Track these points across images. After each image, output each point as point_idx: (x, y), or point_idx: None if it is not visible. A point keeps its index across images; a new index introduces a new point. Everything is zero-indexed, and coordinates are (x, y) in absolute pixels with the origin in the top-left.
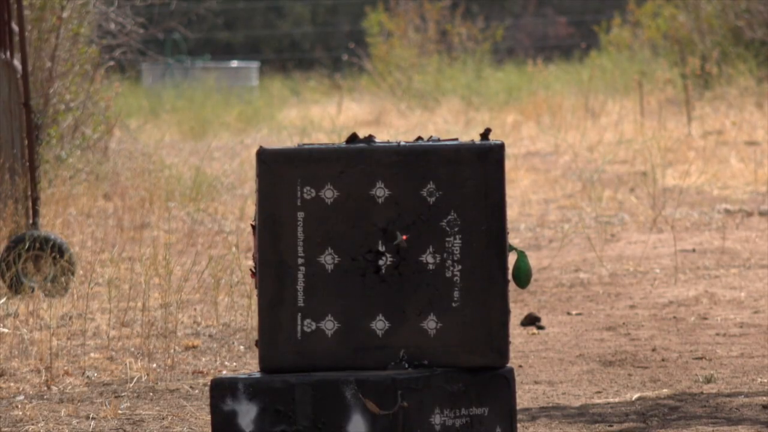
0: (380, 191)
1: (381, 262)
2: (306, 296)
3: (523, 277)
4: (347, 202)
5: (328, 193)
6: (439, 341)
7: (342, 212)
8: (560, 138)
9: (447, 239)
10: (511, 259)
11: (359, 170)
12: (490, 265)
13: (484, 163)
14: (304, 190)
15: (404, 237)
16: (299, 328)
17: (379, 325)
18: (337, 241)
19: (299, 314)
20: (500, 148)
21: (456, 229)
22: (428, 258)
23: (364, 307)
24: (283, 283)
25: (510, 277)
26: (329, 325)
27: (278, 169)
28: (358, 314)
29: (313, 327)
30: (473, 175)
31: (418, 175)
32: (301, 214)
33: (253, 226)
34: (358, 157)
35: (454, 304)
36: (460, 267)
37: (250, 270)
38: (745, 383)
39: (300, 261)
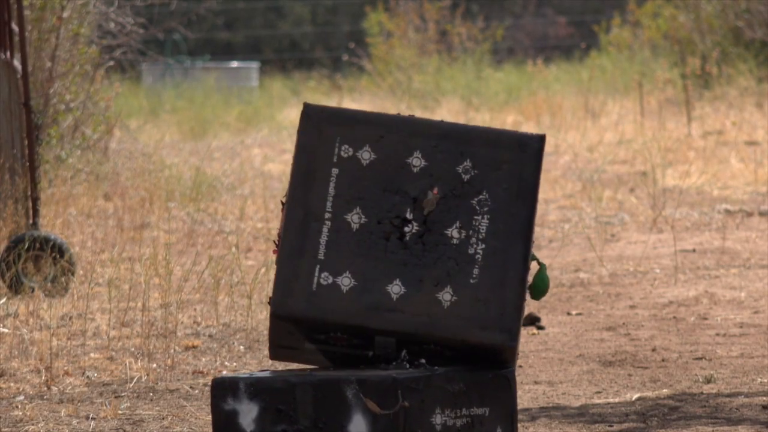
0: (417, 161)
1: (407, 229)
2: (327, 250)
3: (541, 288)
4: (383, 166)
5: (365, 155)
6: (451, 313)
7: (376, 175)
8: (560, 138)
9: (475, 217)
10: (532, 269)
11: (399, 137)
12: (513, 250)
13: (523, 151)
14: (342, 148)
15: (435, 191)
16: (316, 279)
17: (395, 289)
18: (366, 202)
19: (317, 266)
20: (541, 139)
21: (485, 209)
22: (453, 232)
23: (382, 269)
24: (306, 235)
25: (528, 287)
26: (346, 282)
27: (320, 125)
28: (376, 276)
29: (330, 281)
30: (511, 160)
31: (456, 152)
32: (335, 171)
33: (283, 203)
34: (401, 125)
35: (471, 281)
36: (483, 246)
37: (274, 243)
38: (745, 383)
39: (327, 215)
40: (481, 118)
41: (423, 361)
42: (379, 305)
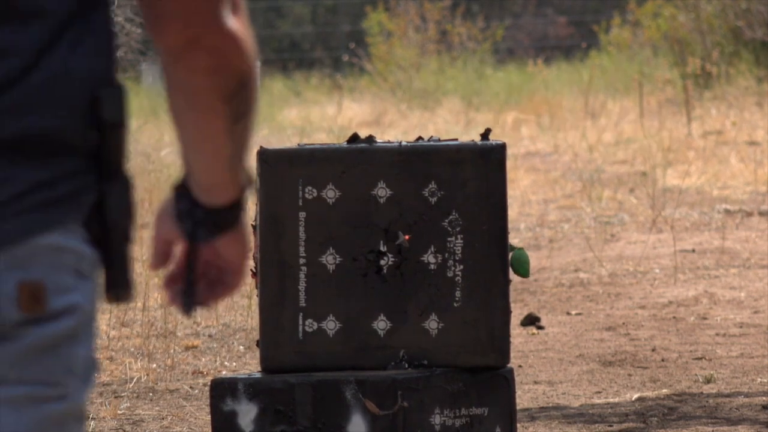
0: (382, 191)
1: (383, 262)
2: (307, 296)
3: (523, 265)
4: (349, 202)
5: (330, 193)
6: (441, 341)
7: (344, 212)
8: (560, 138)
9: (449, 239)
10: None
11: (361, 170)
12: (492, 265)
13: (485, 163)
14: (306, 190)
15: (407, 237)
16: (301, 328)
17: (381, 325)
18: (338, 241)
19: (301, 314)
20: (502, 148)
21: (458, 229)
22: (430, 258)
23: (365, 307)
24: (284, 284)
25: (511, 270)
26: (331, 325)
27: (280, 169)
28: (360, 314)
29: (315, 327)
30: (475, 175)
31: (419, 175)
32: (302, 214)
33: (253, 226)
34: (360, 157)
35: (455, 304)
36: (461, 267)
37: (251, 270)
38: (745, 383)
39: (302, 261)
40: (482, 118)
41: (424, 362)
42: (367, 344)
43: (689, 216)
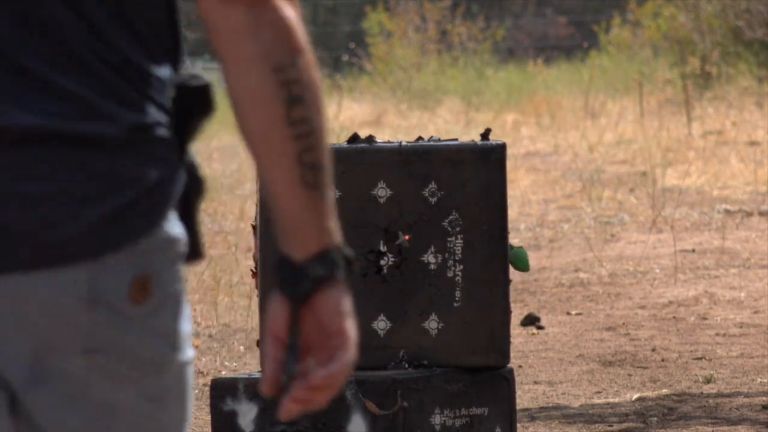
0: (382, 191)
1: (383, 262)
2: None
3: (522, 259)
4: (349, 202)
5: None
6: (441, 341)
7: (344, 212)
8: (560, 138)
9: (449, 239)
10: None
11: (361, 170)
12: (492, 265)
13: (485, 163)
14: None
15: (407, 237)
16: None
17: (381, 325)
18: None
19: None
20: (502, 148)
21: (458, 229)
22: (430, 258)
23: (365, 307)
24: None
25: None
26: None
27: None
28: (360, 314)
29: None
30: (475, 175)
31: (419, 175)
32: None
33: (254, 226)
34: (360, 158)
35: (455, 304)
36: (461, 267)
37: (251, 270)
38: (745, 383)
39: None
40: (482, 118)
41: (424, 362)
42: (367, 344)
43: (689, 216)
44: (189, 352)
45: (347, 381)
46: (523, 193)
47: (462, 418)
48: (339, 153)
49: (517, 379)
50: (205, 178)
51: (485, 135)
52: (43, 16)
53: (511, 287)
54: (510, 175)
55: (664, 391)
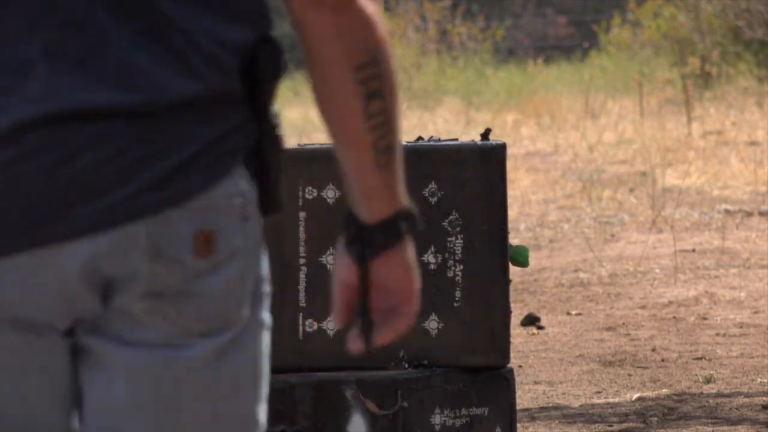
0: None
1: None
2: (307, 296)
3: (522, 253)
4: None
5: (330, 193)
6: (441, 341)
7: (344, 212)
8: (560, 138)
9: (449, 239)
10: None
11: None
12: (492, 265)
13: (485, 164)
14: (306, 190)
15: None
16: (301, 328)
17: None
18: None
19: (300, 314)
20: (502, 148)
21: (458, 230)
22: (430, 258)
23: None
24: (284, 284)
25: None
26: (331, 325)
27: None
28: None
29: (315, 327)
30: (475, 175)
31: (419, 175)
32: (302, 214)
33: None
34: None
35: (455, 304)
36: (461, 267)
37: None
38: (745, 383)
39: (302, 261)
40: (482, 118)
41: (424, 362)
42: None
43: (689, 216)
44: (264, 316)
45: (347, 380)
46: (523, 193)
47: (462, 418)
48: None
49: (518, 379)
50: (283, 137)
51: (485, 135)
52: None
53: (511, 287)
54: (510, 175)
55: (664, 391)
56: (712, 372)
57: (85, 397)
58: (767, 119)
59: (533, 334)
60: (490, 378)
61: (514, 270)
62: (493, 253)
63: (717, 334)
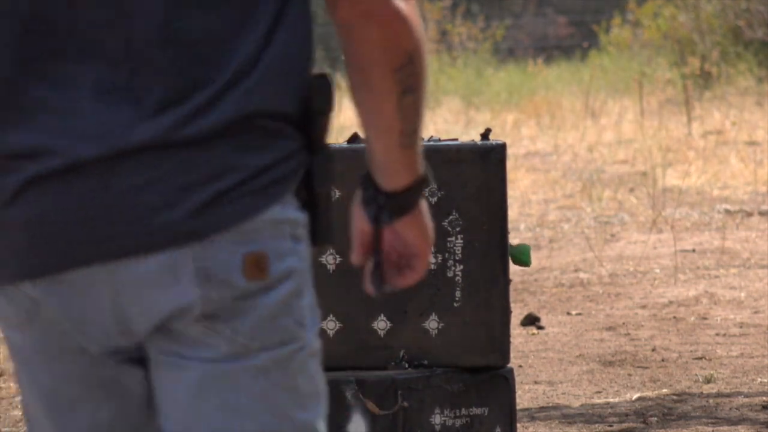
0: None
1: None
2: None
3: (525, 252)
4: (349, 202)
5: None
6: (441, 341)
7: (343, 212)
8: (560, 138)
9: (449, 239)
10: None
11: (361, 170)
12: (492, 265)
13: (485, 163)
14: None
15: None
16: None
17: (381, 325)
18: (338, 241)
19: None
20: (502, 148)
21: (458, 229)
22: (430, 258)
23: (365, 307)
24: None
25: (512, 262)
26: (331, 325)
27: None
28: (360, 314)
29: None
30: (475, 175)
31: None
32: None
33: None
34: (360, 158)
35: (455, 304)
36: (461, 267)
37: None
38: (745, 383)
39: None
40: (482, 118)
41: (424, 362)
42: (367, 344)
43: (689, 216)
44: (314, 341)
45: (347, 380)
46: (523, 193)
47: (462, 418)
48: (340, 152)
49: (518, 379)
50: (333, 169)
51: (485, 135)
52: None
53: (511, 287)
54: (510, 175)
55: (664, 391)
56: (712, 372)
57: (156, 403)
58: (767, 119)
59: (533, 334)
60: (490, 378)
61: (514, 270)
62: (493, 253)
63: (717, 334)
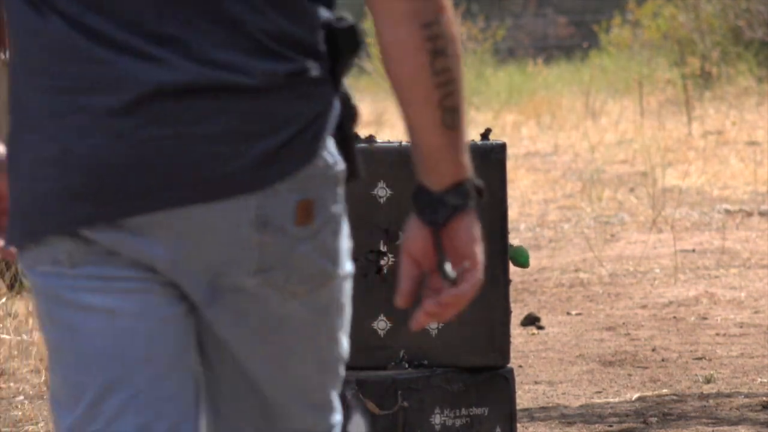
0: (382, 191)
1: (383, 262)
2: None
3: (523, 254)
4: (349, 202)
5: None
6: (441, 341)
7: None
8: (560, 138)
9: None
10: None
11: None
12: (492, 265)
13: (485, 163)
14: None
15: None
16: None
17: (381, 325)
18: None
19: None
20: (502, 148)
21: None
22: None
23: (365, 307)
24: None
25: (510, 263)
26: None
27: None
28: (360, 314)
29: None
30: (475, 175)
31: None
32: None
33: None
34: (361, 157)
35: None
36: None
37: None
38: (745, 383)
39: None
40: (482, 118)
41: (424, 362)
42: (367, 344)
43: (689, 216)
44: (348, 267)
45: (347, 380)
46: (523, 193)
47: (462, 418)
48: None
49: (518, 379)
50: (357, 107)
51: (485, 135)
52: None
53: (511, 287)
54: (510, 175)
55: (664, 391)
56: (712, 372)
57: (209, 359)
58: (767, 119)
59: (533, 334)
60: (490, 378)
61: (514, 270)
62: (493, 253)
63: (717, 334)
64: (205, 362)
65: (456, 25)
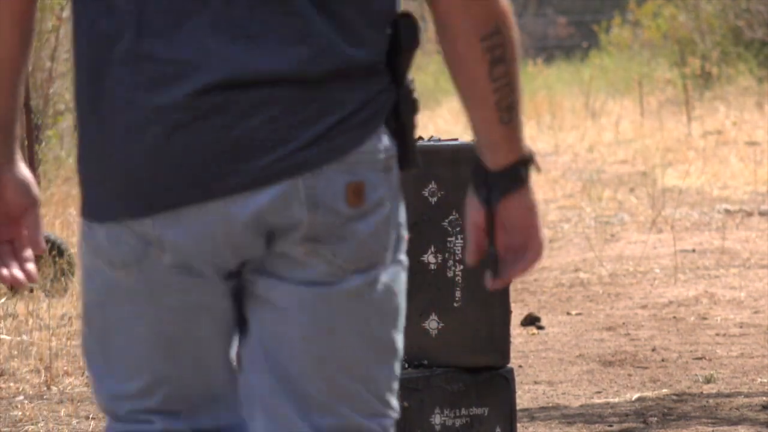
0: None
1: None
2: None
3: None
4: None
5: None
6: (441, 341)
7: None
8: (560, 138)
9: (449, 239)
10: None
11: None
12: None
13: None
14: None
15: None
16: None
17: None
18: None
19: None
20: None
21: (458, 229)
22: (430, 258)
23: None
24: None
25: None
26: None
27: None
28: None
29: None
30: None
31: (419, 175)
32: None
33: None
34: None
35: (455, 304)
36: (461, 267)
37: None
38: (745, 383)
39: None
40: None
41: (424, 362)
42: None
43: (689, 216)
44: (402, 256)
45: None
46: None
47: (462, 418)
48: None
49: (518, 379)
50: (418, 99)
51: None
52: None
53: (511, 287)
54: None
55: (664, 391)
56: (712, 372)
57: (251, 329)
58: (767, 119)
59: (533, 334)
60: (490, 378)
61: None
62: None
63: (717, 334)
64: (244, 339)
65: (515, 28)
